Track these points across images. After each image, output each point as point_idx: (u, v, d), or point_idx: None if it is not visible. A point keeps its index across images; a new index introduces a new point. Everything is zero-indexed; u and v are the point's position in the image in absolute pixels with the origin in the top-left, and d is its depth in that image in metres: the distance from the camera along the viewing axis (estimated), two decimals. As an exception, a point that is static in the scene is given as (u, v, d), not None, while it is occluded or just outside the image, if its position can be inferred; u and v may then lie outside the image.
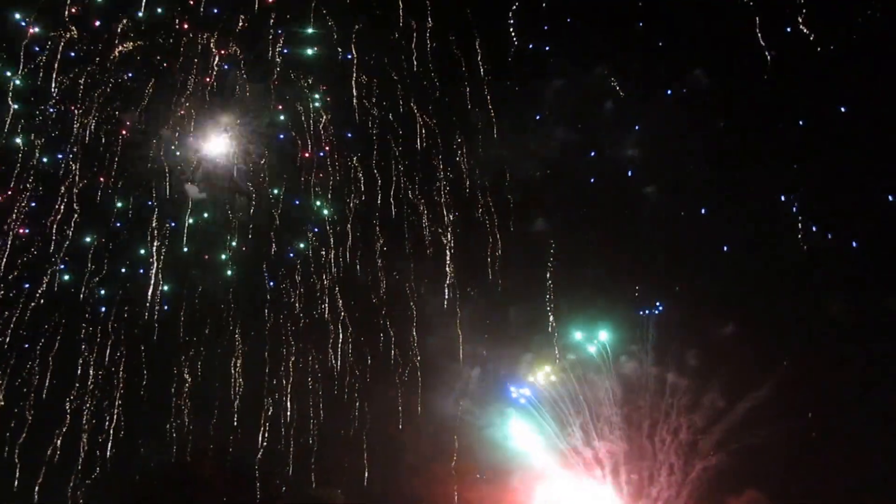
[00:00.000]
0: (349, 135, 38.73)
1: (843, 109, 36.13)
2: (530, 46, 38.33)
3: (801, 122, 36.92)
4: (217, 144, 37.27)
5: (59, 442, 35.91)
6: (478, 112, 38.30)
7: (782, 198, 37.50)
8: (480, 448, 38.56)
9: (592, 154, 39.60)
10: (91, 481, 36.10)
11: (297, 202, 38.51)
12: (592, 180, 39.34)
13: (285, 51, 36.73)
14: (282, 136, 37.77)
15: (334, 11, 37.21)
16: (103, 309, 36.80)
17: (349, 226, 39.11)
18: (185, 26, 35.74)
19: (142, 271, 37.10)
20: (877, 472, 34.73)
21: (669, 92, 38.38)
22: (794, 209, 37.33)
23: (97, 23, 34.85)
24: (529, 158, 38.96)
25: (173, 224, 37.32)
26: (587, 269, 39.11)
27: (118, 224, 37.03)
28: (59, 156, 35.77)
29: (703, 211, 38.67)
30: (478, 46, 38.32)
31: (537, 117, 39.23)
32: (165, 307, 37.35)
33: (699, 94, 38.19)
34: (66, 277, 36.58)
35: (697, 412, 37.64)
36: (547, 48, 39.00)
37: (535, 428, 38.41)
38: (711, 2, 36.70)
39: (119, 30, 35.04)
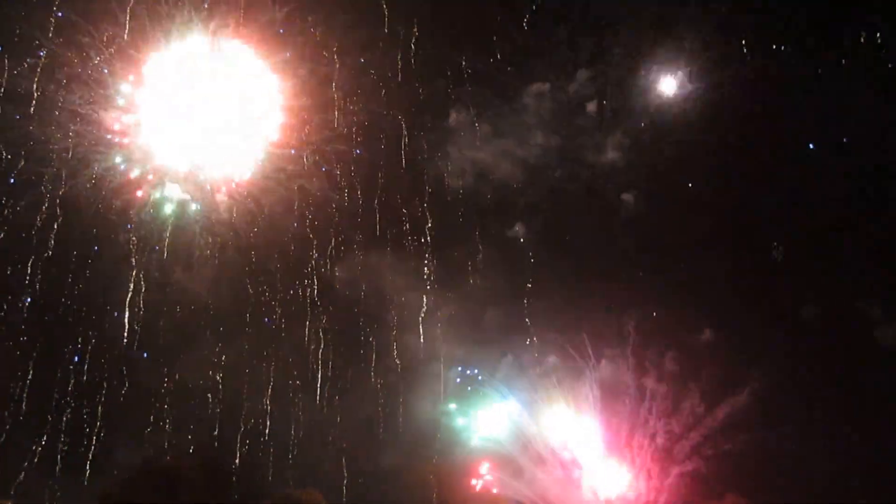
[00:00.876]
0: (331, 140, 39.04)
1: (817, 121, 37.00)
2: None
3: (782, 134, 37.65)
4: (203, 147, 37.57)
5: (38, 449, 35.93)
6: (459, 118, 39.01)
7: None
8: (459, 449, 38.79)
9: (573, 160, 40.06)
10: (71, 481, 36.08)
11: (279, 206, 38.78)
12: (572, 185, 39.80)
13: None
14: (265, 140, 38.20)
15: (320, 17, 37.77)
16: (83, 313, 36.93)
17: (331, 230, 39.59)
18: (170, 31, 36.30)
19: (122, 273, 37.25)
20: (855, 477, 35.16)
21: (643, 124, 39.05)
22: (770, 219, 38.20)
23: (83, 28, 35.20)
24: (510, 164, 39.47)
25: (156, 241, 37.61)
26: (567, 274, 39.58)
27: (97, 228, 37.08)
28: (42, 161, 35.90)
29: (681, 218, 39.16)
30: (463, 58, 39.05)
31: (518, 123, 39.60)
32: (147, 310, 37.50)
33: (677, 103, 38.93)
34: (48, 283, 36.63)
35: (675, 417, 37.92)
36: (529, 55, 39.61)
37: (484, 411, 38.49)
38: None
39: (105, 37, 35.52)
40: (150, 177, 36.99)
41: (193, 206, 37.58)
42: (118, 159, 36.61)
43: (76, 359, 36.56)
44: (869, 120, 36.04)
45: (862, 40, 35.75)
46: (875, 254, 37.01)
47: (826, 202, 37.35)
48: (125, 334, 36.62)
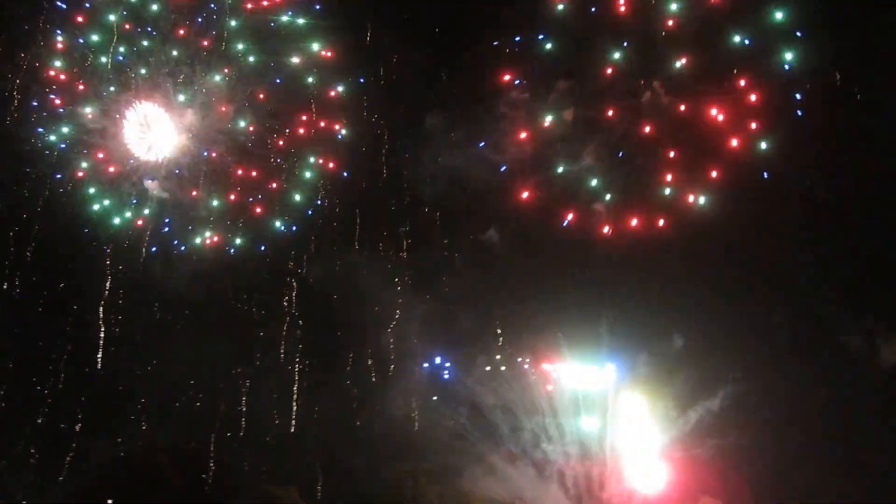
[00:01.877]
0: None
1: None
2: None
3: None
4: (179, 144, 38.05)
5: (13, 446, 36.09)
6: (437, 119, 39.51)
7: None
8: (439, 448, 38.95)
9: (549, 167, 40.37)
10: (46, 478, 36.25)
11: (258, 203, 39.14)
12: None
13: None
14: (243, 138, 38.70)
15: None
16: (61, 310, 37.32)
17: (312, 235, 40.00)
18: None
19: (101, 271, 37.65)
20: (827, 482, 35.42)
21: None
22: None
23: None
24: (487, 167, 39.81)
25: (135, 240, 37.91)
26: (543, 276, 39.85)
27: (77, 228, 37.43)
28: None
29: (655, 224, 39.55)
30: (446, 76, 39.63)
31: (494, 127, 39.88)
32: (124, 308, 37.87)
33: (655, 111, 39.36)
34: (27, 281, 36.99)
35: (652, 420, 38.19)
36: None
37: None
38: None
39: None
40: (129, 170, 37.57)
41: (172, 202, 38.16)
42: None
43: (54, 356, 37.05)
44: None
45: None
46: (847, 259, 37.47)
47: (801, 208, 37.90)
48: (102, 331, 37.09)
